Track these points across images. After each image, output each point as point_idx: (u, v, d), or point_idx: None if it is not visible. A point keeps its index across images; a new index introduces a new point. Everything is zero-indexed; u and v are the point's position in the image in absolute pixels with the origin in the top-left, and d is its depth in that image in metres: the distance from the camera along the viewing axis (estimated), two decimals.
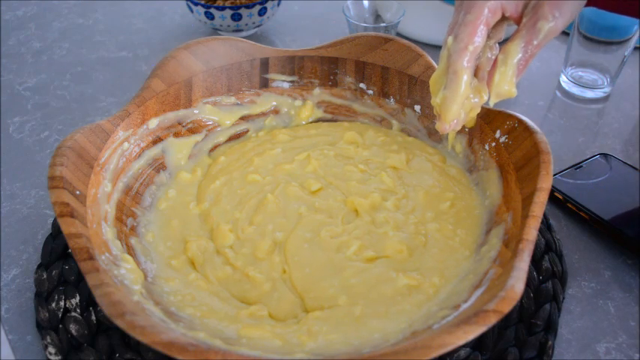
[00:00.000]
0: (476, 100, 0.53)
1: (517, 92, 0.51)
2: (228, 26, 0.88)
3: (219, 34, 0.91)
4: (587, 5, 0.55)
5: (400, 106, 0.68)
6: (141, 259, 0.54)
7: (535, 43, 0.48)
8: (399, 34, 0.90)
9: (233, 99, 0.68)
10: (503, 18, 0.51)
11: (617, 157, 0.67)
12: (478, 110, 0.55)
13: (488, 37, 0.52)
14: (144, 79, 0.64)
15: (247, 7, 0.86)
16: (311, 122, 0.70)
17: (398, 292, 0.51)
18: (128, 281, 0.48)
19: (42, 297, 0.54)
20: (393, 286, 0.51)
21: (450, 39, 0.51)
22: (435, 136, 0.66)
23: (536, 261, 0.57)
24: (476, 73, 0.53)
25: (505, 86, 0.51)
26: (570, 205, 0.62)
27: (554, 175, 0.65)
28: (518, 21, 0.50)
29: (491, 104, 0.53)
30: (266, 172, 0.63)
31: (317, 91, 0.70)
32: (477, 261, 0.52)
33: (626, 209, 0.60)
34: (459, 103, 0.52)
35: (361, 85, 0.70)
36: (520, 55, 0.49)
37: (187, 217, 0.59)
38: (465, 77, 0.51)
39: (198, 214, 0.60)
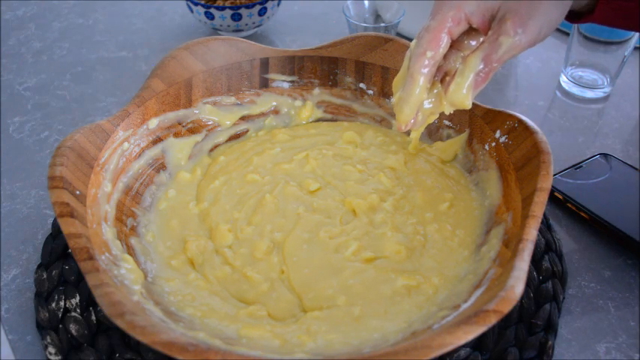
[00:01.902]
0: (430, 105, 0.53)
1: (470, 105, 0.51)
2: (228, 26, 0.88)
3: (219, 34, 0.91)
4: (584, 22, 0.54)
5: None
6: (141, 259, 0.54)
7: (495, 57, 0.47)
8: (399, 34, 0.90)
9: (233, 99, 0.68)
10: (475, 30, 0.51)
11: (617, 157, 0.67)
12: (436, 116, 0.55)
13: (462, 48, 0.52)
14: (144, 79, 0.63)
15: (247, 7, 0.85)
16: (311, 122, 0.70)
17: (397, 293, 0.51)
18: (128, 281, 0.48)
19: (42, 297, 0.54)
20: (392, 287, 0.51)
21: (414, 42, 0.51)
22: (434, 137, 0.66)
23: (536, 261, 0.57)
24: (442, 81, 0.53)
25: (459, 96, 0.50)
26: (570, 205, 0.62)
27: (554, 175, 0.65)
28: (486, 33, 0.50)
29: (446, 112, 0.53)
30: (265, 172, 0.63)
31: (317, 91, 0.70)
32: (477, 261, 0.52)
33: (626, 209, 0.60)
34: (411, 106, 0.52)
35: (361, 85, 0.70)
36: (480, 68, 0.48)
37: (187, 216, 0.59)
38: (421, 82, 0.51)
39: (197, 214, 0.60)
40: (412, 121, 0.53)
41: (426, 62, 0.50)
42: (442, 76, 0.53)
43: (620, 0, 0.52)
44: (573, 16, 0.55)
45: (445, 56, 0.52)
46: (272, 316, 0.50)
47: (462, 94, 0.50)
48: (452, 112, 0.53)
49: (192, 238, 0.57)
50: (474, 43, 0.52)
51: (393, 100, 0.54)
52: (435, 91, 0.53)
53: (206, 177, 0.63)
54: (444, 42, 0.50)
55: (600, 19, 0.53)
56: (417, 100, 0.52)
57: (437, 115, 0.55)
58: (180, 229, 0.58)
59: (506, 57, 0.48)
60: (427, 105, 0.53)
